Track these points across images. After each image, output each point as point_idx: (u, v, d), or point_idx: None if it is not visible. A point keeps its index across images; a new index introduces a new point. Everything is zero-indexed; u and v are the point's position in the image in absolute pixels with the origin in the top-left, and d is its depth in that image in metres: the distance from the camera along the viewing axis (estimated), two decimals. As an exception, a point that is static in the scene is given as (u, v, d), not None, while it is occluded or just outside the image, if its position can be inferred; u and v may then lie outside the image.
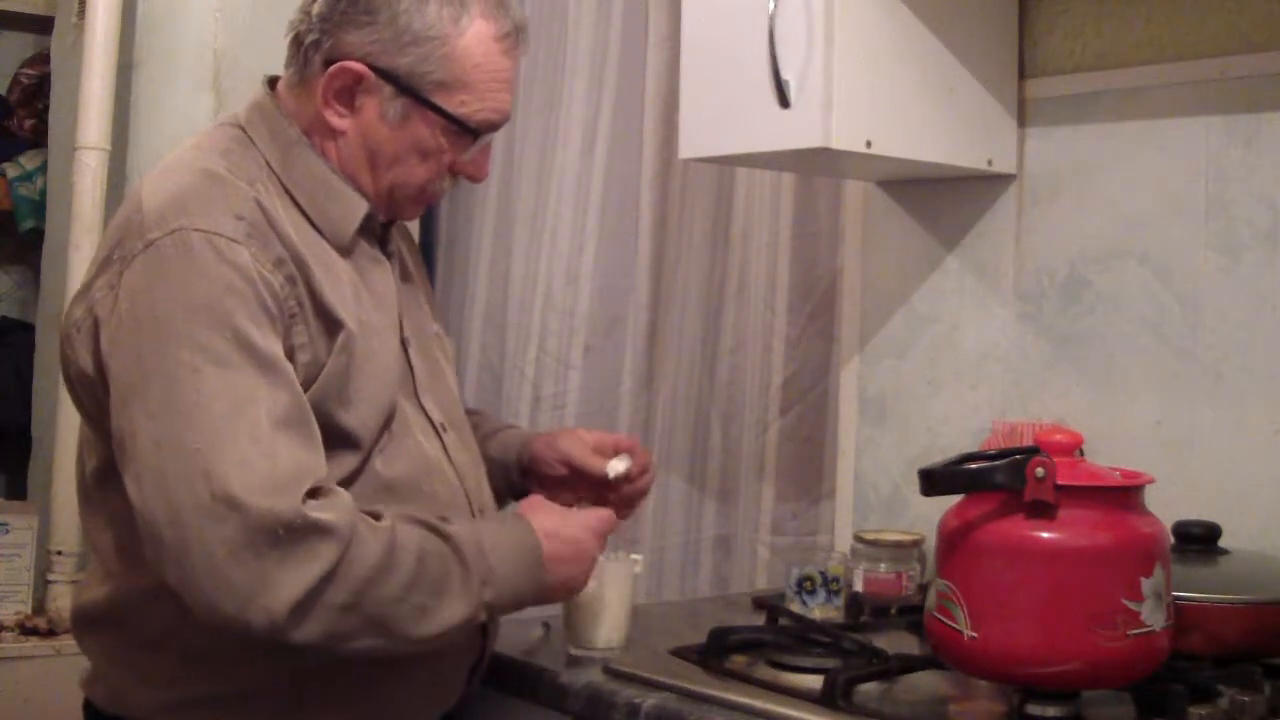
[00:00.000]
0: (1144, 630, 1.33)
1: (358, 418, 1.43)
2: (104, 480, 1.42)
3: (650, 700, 1.48)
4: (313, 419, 1.36)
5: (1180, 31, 1.82)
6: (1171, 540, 1.46)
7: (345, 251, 1.49)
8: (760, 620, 1.80)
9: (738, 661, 1.59)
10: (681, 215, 2.51)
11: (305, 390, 1.37)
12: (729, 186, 2.42)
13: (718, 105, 1.88)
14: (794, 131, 1.80)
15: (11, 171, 3.36)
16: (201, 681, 1.42)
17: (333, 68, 1.45)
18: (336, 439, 1.40)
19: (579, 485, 1.71)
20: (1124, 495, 1.39)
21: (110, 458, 1.38)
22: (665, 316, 2.52)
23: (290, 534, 1.27)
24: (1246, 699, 1.39)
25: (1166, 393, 1.82)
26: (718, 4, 1.89)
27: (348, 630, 1.32)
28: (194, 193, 1.39)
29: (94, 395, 1.40)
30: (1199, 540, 1.61)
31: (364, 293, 1.49)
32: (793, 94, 1.78)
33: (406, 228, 1.70)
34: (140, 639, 1.44)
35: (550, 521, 1.50)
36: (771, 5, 1.79)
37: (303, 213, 1.46)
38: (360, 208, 1.50)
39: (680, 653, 1.61)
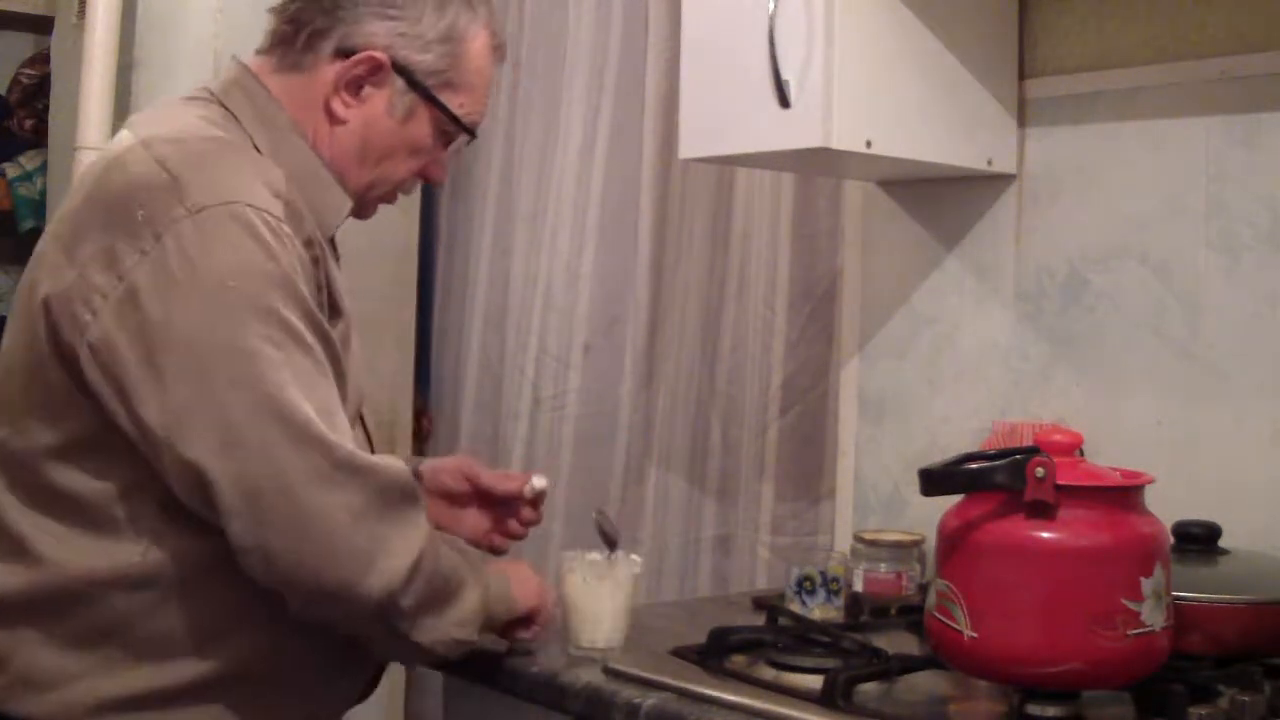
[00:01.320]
0: (1144, 630, 1.33)
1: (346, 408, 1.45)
2: (62, 459, 1.36)
3: (650, 700, 1.48)
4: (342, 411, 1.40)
5: (1180, 31, 1.82)
6: (1171, 540, 1.46)
7: (329, 238, 1.51)
8: (760, 620, 1.80)
9: (738, 661, 1.59)
10: (681, 215, 2.51)
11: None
12: (729, 186, 2.42)
13: (718, 105, 1.88)
14: (794, 131, 1.79)
15: (11, 171, 3.36)
16: (150, 674, 1.37)
17: (358, 55, 1.46)
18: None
19: (479, 503, 1.73)
20: (1124, 495, 1.38)
21: (83, 434, 1.33)
22: (665, 316, 2.52)
23: (404, 498, 1.33)
24: (1246, 699, 1.39)
25: (1166, 393, 1.82)
26: (718, 4, 1.89)
27: (426, 602, 1.37)
28: (230, 166, 1.38)
29: (105, 365, 1.32)
30: (1199, 540, 1.61)
31: (339, 281, 1.52)
32: (793, 94, 1.78)
33: None
34: (79, 631, 1.37)
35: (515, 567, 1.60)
36: (771, 5, 1.79)
37: None
38: (346, 202, 1.52)
39: (680, 653, 1.61)
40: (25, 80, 3.43)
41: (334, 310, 1.45)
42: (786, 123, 1.79)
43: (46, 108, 3.18)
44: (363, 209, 1.57)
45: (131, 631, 1.37)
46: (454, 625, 1.43)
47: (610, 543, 1.68)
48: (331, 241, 1.54)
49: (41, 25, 3.34)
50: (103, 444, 1.35)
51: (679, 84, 1.96)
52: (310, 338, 1.35)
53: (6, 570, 1.39)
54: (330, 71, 1.47)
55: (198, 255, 1.31)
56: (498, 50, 1.56)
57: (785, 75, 1.78)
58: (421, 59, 1.48)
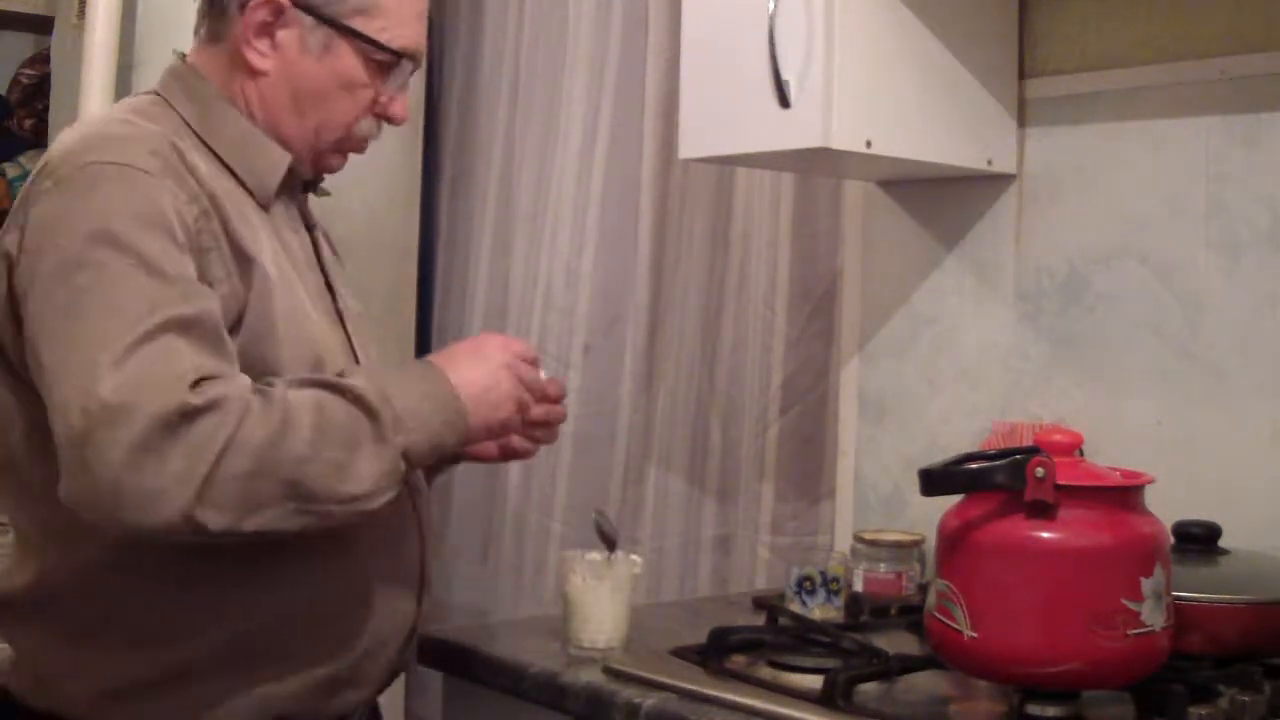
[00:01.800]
0: (1144, 630, 1.33)
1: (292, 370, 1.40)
2: (31, 446, 1.37)
3: (650, 700, 1.48)
4: (225, 338, 1.33)
5: (1180, 31, 1.82)
6: (1171, 540, 1.46)
7: (266, 207, 1.48)
8: (760, 620, 1.80)
9: (738, 661, 1.59)
10: (681, 215, 2.51)
11: (232, 327, 1.36)
12: (729, 186, 2.42)
13: (718, 105, 1.88)
14: (794, 131, 1.80)
15: (11, 171, 3.36)
16: (149, 662, 1.37)
17: (252, 2, 1.45)
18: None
19: None
20: (1124, 495, 1.39)
21: (38, 420, 1.33)
22: (665, 316, 2.52)
23: (184, 420, 1.23)
24: (1246, 699, 1.39)
25: (1166, 393, 1.82)
26: (718, 4, 1.89)
27: (260, 498, 1.26)
28: (106, 135, 1.39)
29: (16, 345, 1.35)
30: (1199, 540, 1.61)
31: (283, 252, 1.48)
32: (793, 94, 1.78)
33: (325, 228, 1.69)
34: (78, 624, 1.39)
35: (460, 357, 1.45)
36: (771, 5, 1.79)
37: (225, 167, 1.46)
38: (283, 160, 1.50)
39: (680, 653, 1.61)
40: (25, 80, 3.42)
41: (243, 259, 1.39)
42: (786, 123, 1.79)
43: (46, 108, 3.18)
44: (321, 160, 1.55)
45: (130, 616, 1.37)
46: (349, 494, 1.31)
47: (609, 543, 1.68)
48: (305, 216, 1.56)
49: (41, 25, 3.34)
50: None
51: (679, 84, 1.96)
52: (145, 274, 1.29)
53: (17, 568, 1.42)
54: (239, 26, 1.47)
55: (50, 218, 1.33)
56: None
57: (785, 75, 1.78)
58: None
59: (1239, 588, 1.53)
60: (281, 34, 1.47)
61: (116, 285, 1.28)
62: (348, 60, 1.49)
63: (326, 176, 1.62)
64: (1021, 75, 1.99)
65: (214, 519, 1.24)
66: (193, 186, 1.37)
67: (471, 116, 2.93)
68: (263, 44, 1.47)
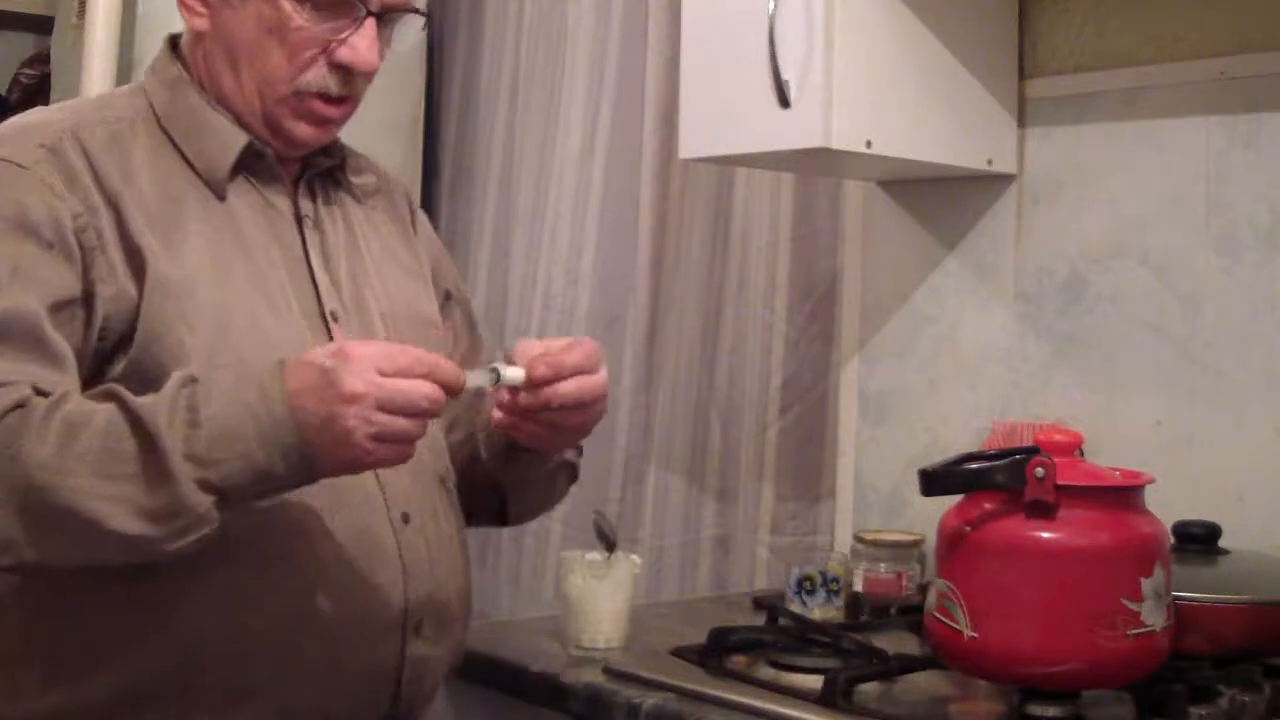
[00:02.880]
0: (1144, 630, 1.33)
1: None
2: None
3: (650, 700, 1.48)
4: (39, 336, 1.23)
5: (1180, 31, 1.82)
6: (1171, 540, 1.46)
7: (220, 192, 1.37)
8: (760, 620, 1.80)
9: (738, 661, 1.59)
10: (681, 215, 2.50)
11: (127, 334, 1.27)
12: (729, 187, 2.42)
13: (718, 105, 1.88)
14: (794, 131, 1.79)
15: (11, 171, 3.36)
16: (73, 686, 1.26)
17: None
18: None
19: None
20: (1124, 495, 1.39)
21: None
22: (665, 316, 2.52)
23: None
24: (1246, 699, 1.39)
25: (1166, 393, 1.82)
26: (718, 4, 1.89)
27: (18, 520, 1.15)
28: (16, 124, 1.35)
29: None
30: (1199, 540, 1.61)
31: (234, 246, 1.35)
32: (793, 94, 1.78)
33: (393, 196, 1.56)
34: None
35: (310, 378, 1.20)
36: (771, 5, 1.79)
37: (180, 153, 1.37)
38: (237, 139, 1.37)
39: (680, 653, 1.61)
40: (25, 80, 3.42)
41: (133, 256, 1.28)
42: (786, 123, 1.79)
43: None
44: (281, 130, 1.39)
45: (32, 648, 1.29)
46: (131, 508, 1.17)
47: (609, 543, 1.68)
48: (309, 195, 1.43)
49: (41, 25, 3.33)
50: None
51: (679, 84, 1.96)
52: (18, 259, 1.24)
53: None
54: None
55: None
56: None
57: (785, 75, 1.78)
58: None
59: (1239, 588, 1.53)
60: None
61: None
62: (273, 5, 1.34)
63: (355, 169, 1.50)
64: (1021, 75, 1.99)
65: None
66: (85, 183, 1.29)
67: (471, 116, 2.93)
68: (195, 3, 1.38)
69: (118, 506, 1.16)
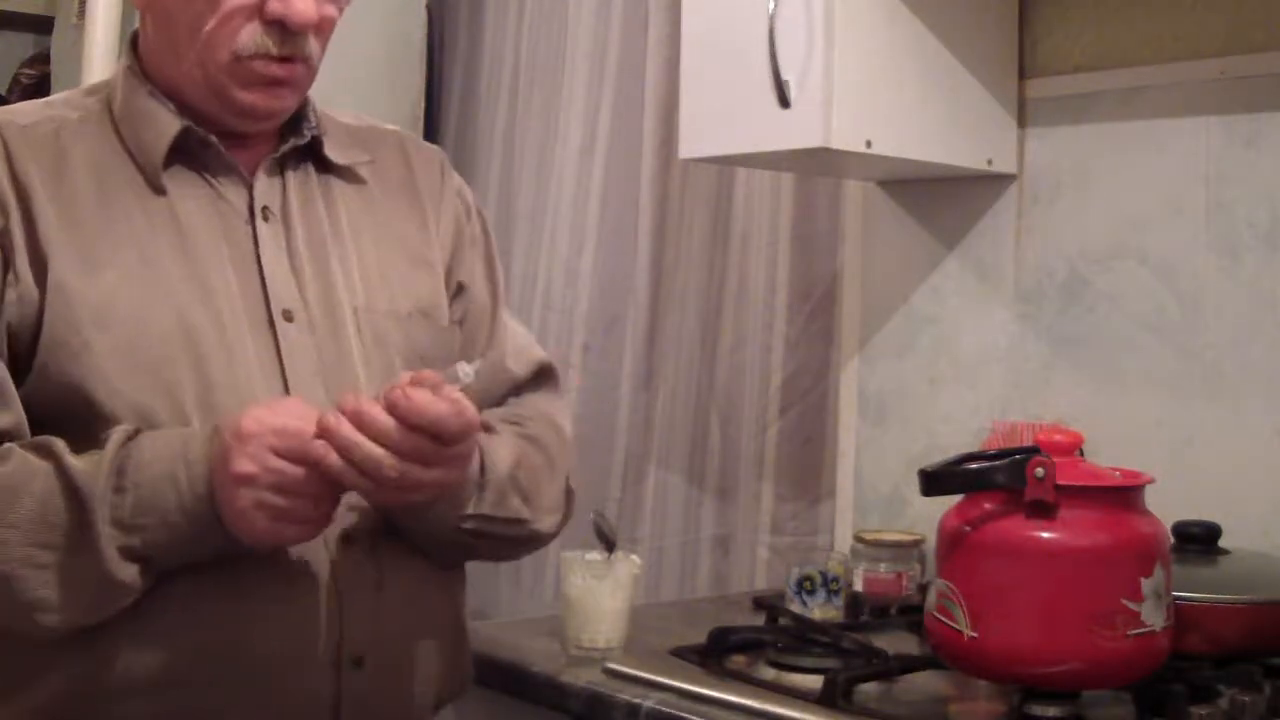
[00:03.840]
0: (1144, 630, 1.33)
1: (117, 395, 1.20)
2: None
3: (650, 700, 1.48)
4: None
5: (1180, 31, 1.82)
6: (1171, 540, 1.46)
7: (156, 185, 1.29)
8: (760, 620, 1.80)
9: (738, 661, 1.59)
10: (681, 215, 2.51)
11: (31, 336, 1.20)
12: (729, 186, 2.42)
13: (718, 105, 1.88)
14: (794, 131, 1.79)
15: (11, 171, 3.36)
16: None
17: None
18: (89, 415, 1.19)
19: None
20: (1124, 495, 1.39)
21: None
22: (665, 316, 2.52)
23: None
24: (1246, 699, 1.39)
25: (1167, 392, 1.82)
26: (718, 4, 1.89)
27: None
28: None
29: None
30: (1199, 540, 1.61)
31: (169, 241, 1.27)
32: (793, 94, 1.78)
33: (412, 169, 1.45)
34: None
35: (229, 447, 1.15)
36: (771, 5, 1.79)
37: (125, 148, 1.30)
38: (170, 127, 1.29)
39: (680, 653, 1.61)
40: (25, 80, 3.42)
41: (37, 258, 1.22)
42: (786, 123, 1.79)
43: (46, 108, 3.18)
44: (231, 102, 1.30)
45: None
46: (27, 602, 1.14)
47: (608, 544, 1.68)
48: (331, 214, 1.35)
49: (41, 25, 3.33)
50: None
51: (679, 84, 1.96)
52: None
53: None
54: None
55: None
56: None
57: (785, 75, 1.78)
58: None
59: (1239, 588, 1.53)
60: None
61: None
62: None
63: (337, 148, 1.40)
64: (1021, 75, 1.99)
65: None
66: None
67: (471, 116, 2.93)
68: None
69: (44, 574, 1.14)
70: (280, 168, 1.36)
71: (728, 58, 1.86)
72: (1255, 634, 1.51)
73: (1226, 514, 1.65)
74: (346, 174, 1.41)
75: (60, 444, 1.17)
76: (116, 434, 1.17)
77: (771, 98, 1.79)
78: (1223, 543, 1.62)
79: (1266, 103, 1.75)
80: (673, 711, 1.46)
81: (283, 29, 1.28)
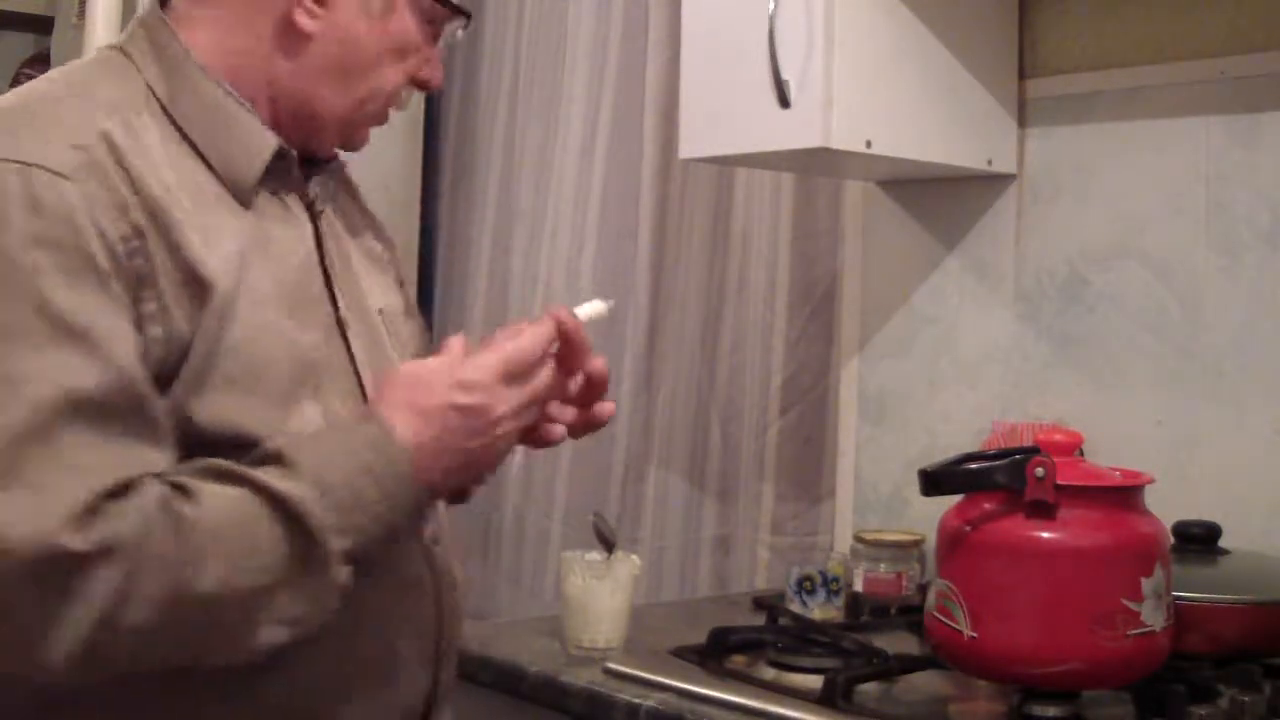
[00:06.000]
0: (1144, 630, 1.34)
1: (252, 414, 1.13)
2: None
3: (650, 700, 1.48)
4: (144, 404, 1.08)
5: (1180, 31, 1.82)
6: (1171, 540, 1.46)
7: (246, 201, 1.20)
8: (760, 620, 1.80)
9: (738, 661, 1.59)
10: (681, 215, 2.51)
11: (170, 373, 1.10)
12: (729, 186, 2.42)
13: (718, 105, 1.88)
14: (794, 131, 1.79)
15: (11, 171, 3.36)
16: None
17: None
18: (222, 440, 1.12)
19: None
20: (1124, 495, 1.39)
21: None
22: (665, 316, 2.52)
23: (51, 573, 1.00)
24: (1246, 699, 1.39)
25: (1167, 392, 1.82)
26: (718, 4, 1.89)
27: (166, 640, 1.06)
28: (29, 116, 1.14)
29: None
30: (1199, 540, 1.61)
31: (260, 258, 1.19)
32: (793, 94, 1.78)
33: (348, 176, 1.40)
34: None
35: (423, 397, 1.17)
36: (771, 5, 1.79)
37: (197, 152, 1.19)
38: (267, 144, 1.22)
39: (680, 653, 1.61)
40: (25, 80, 3.41)
41: (194, 285, 1.12)
42: (786, 123, 1.79)
43: (46, 108, 3.17)
44: (352, 135, 1.31)
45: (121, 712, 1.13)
46: (276, 624, 1.09)
47: (607, 545, 1.68)
48: (308, 197, 1.28)
49: (41, 25, 3.34)
50: None
51: (679, 84, 1.96)
52: (68, 314, 1.05)
53: None
54: None
55: None
56: None
57: (785, 75, 1.78)
58: None
59: (1239, 588, 1.53)
60: None
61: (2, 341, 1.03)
62: (406, 21, 1.28)
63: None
64: (1021, 75, 1.99)
65: (97, 676, 1.06)
66: (122, 195, 1.10)
67: (471, 116, 2.93)
68: (314, 3, 1.23)
69: (279, 598, 1.09)
70: (318, 180, 1.33)
71: (728, 58, 1.86)
72: (1255, 634, 1.51)
73: (1226, 514, 1.65)
74: (351, 186, 1.40)
75: (235, 465, 1.10)
76: (270, 448, 1.12)
77: (771, 98, 1.79)
78: (1223, 543, 1.62)
79: (1266, 103, 1.75)
80: (673, 711, 1.46)
81: (414, 87, 1.32)
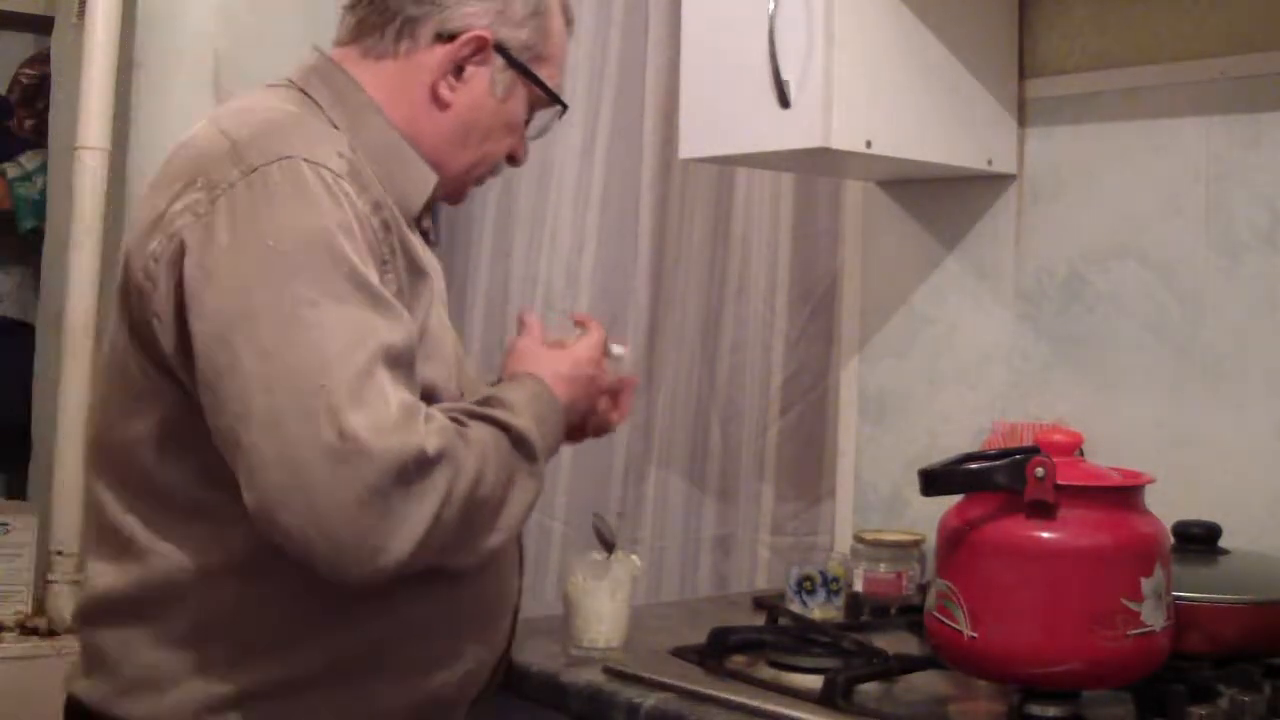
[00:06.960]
0: (1144, 630, 1.33)
1: (438, 375, 1.40)
2: (159, 443, 1.33)
3: (650, 700, 1.48)
4: (414, 359, 1.32)
5: (1180, 31, 1.82)
6: (1171, 540, 1.46)
7: (411, 225, 1.45)
8: (760, 620, 1.80)
9: (738, 661, 1.59)
10: (681, 215, 2.51)
11: None
12: (729, 186, 2.42)
13: (718, 105, 1.88)
14: (794, 131, 1.80)
15: (11, 171, 3.36)
16: (257, 670, 1.32)
17: (464, 37, 1.45)
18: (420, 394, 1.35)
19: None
20: (1124, 495, 1.39)
21: (169, 416, 1.31)
22: (665, 316, 2.52)
23: (418, 470, 1.21)
24: (1246, 699, 1.39)
25: (1167, 392, 1.82)
26: (718, 4, 1.89)
27: (456, 546, 1.29)
28: (292, 126, 1.36)
29: (170, 337, 1.30)
30: (1199, 540, 1.61)
31: (422, 276, 1.45)
32: (793, 94, 1.78)
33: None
34: (185, 630, 1.33)
35: (561, 367, 1.52)
36: (771, 5, 1.79)
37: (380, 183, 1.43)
38: (430, 180, 1.48)
39: (680, 653, 1.61)
40: (25, 80, 3.42)
41: (416, 271, 1.39)
42: (786, 123, 1.79)
43: (46, 108, 3.18)
44: (459, 192, 1.56)
45: (240, 625, 1.33)
46: (517, 516, 1.36)
47: (607, 546, 1.68)
48: (424, 233, 1.51)
49: (41, 25, 3.34)
50: (189, 427, 1.29)
51: (679, 84, 1.96)
52: (358, 294, 1.27)
53: (115, 569, 1.37)
54: (432, 56, 1.46)
55: (247, 215, 1.27)
56: (570, 20, 1.58)
57: (785, 75, 1.78)
58: (516, 35, 1.48)
59: (1239, 588, 1.53)
60: (471, 70, 1.47)
61: (334, 305, 1.24)
62: (520, 104, 1.52)
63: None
64: (1021, 75, 1.99)
65: (411, 565, 1.24)
66: (375, 194, 1.35)
67: (471, 116, 2.93)
68: (454, 77, 1.47)
69: (508, 505, 1.34)
70: None
71: (728, 58, 1.86)
72: (1255, 634, 1.51)
73: (1226, 514, 1.65)
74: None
75: (476, 407, 1.38)
76: (491, 395, 1.41)
77: (771, 98, 1.79)
78: (1223, 543, 1.62)
79: (1266, 103, 1.75)
80: (673, 711, 1.46)
81: (507, 161, 1.57)
